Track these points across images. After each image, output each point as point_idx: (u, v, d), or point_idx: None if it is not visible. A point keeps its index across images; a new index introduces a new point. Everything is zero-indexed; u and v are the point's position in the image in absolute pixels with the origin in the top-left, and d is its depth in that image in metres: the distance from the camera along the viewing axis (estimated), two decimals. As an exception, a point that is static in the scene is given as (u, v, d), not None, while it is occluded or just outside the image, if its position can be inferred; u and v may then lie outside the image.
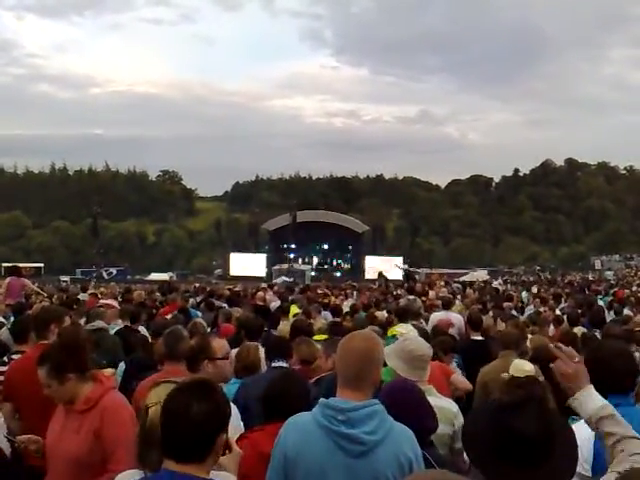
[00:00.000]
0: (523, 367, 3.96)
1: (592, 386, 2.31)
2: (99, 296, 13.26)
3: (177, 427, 1.98)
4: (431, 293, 15.69)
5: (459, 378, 5.43)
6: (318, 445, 2.40)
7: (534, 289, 21.19)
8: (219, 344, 3.70)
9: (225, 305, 10.89)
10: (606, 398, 2.66)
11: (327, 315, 9.98)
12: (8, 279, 11.87)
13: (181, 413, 1.98)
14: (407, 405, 2.88)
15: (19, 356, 4.66)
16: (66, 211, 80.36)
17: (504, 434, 1.87)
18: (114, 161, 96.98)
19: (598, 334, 6.65)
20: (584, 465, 2.57)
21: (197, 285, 22.46)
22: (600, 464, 2.55)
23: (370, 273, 48.12)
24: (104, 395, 3.08)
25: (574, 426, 2.83)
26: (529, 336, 6.46)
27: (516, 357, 4.68)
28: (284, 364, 4.52)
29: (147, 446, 2.22)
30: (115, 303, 8.70)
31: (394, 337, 5.54)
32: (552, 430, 1.92)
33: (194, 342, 3.94)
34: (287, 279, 35.57)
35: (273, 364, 4.54)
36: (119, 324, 7.50)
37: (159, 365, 4.79)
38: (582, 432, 2.65)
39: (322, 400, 2.49)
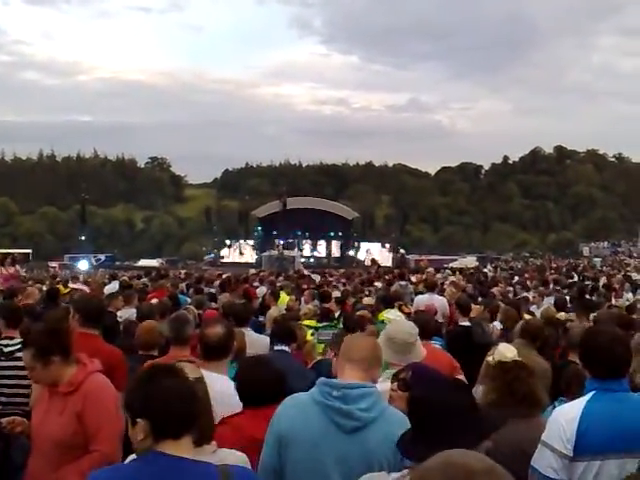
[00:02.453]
0: (505, 353, 3.96)
1: None
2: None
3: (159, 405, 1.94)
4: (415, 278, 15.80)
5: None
6: (313, 421, 2.43)
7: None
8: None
9: (213, 291, 10.87)
10: (600, 382, 2.67)
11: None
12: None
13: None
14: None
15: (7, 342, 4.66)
16: (54, 197, 79.71)
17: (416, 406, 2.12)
18: (102, 148, 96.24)
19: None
20: (566, 445, 2.56)
21: (183, 271, 22.41)
22: (583, 445, 2.55)
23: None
24: (87, 378, 3.09)
25: (560, 407, 2.85)
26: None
27: (530, 348, 4.66)
28: (286, 348, 4.62)
29: None
30: (86, 288, 8.67)
31: (383, 322, 5.55)
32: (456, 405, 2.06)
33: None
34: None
35: (275, 347, 4.66)
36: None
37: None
38: (567, 413, 2.66)
39: (321, 379, 2.53)
